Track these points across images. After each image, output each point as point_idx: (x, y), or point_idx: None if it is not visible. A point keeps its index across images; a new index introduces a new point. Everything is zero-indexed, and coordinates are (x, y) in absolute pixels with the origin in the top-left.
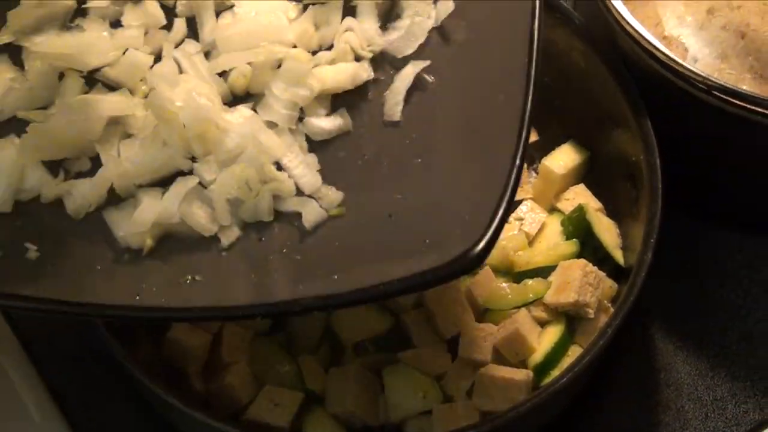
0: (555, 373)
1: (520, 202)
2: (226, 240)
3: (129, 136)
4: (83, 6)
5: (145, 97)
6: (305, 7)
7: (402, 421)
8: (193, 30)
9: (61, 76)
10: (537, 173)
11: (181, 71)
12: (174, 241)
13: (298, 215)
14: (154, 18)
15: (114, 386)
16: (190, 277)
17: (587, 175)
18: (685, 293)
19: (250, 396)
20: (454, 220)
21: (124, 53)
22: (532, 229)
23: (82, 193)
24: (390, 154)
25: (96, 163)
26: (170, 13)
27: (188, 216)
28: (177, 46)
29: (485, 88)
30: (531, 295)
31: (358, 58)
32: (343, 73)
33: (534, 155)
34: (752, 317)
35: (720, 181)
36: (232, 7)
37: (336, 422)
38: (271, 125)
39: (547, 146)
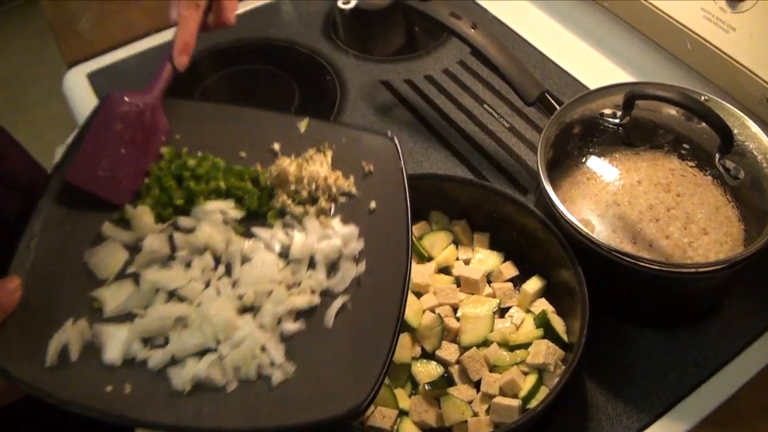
0: (534, 403)
1: (510, 307)
2: (229, 388)
3: (186, 326)
4: (173, 254)
5: (198, 305)
6: (288, 263)
7: (451, 426)
8: (227, 270)
9: (156, 290)
10: (519, 291)
11: (218, 293)
12: (200, 388)
13: (269, 377)
14: (208, 264)
15: None
16: (207, 410)
17: (546, 292)
18: (605, 358)
19: (370, 412)
20: (347, 387)
21: (189, 282)
22: (517, 321)
23: (158, 357)
24: (322, 345)
25: (167, 340)
26: (217, 259)
27: (211, 374)
28: (219, 279)
29: (377, 312)
30: (519, 359)
31: (313, 291)
32: (304, 300)
33: (517, 282)
34: (638, 368)
35: (622, 297)
36: (250, 260)
37: (415, 426)
38: (262, 326)
39: (523, 278)
